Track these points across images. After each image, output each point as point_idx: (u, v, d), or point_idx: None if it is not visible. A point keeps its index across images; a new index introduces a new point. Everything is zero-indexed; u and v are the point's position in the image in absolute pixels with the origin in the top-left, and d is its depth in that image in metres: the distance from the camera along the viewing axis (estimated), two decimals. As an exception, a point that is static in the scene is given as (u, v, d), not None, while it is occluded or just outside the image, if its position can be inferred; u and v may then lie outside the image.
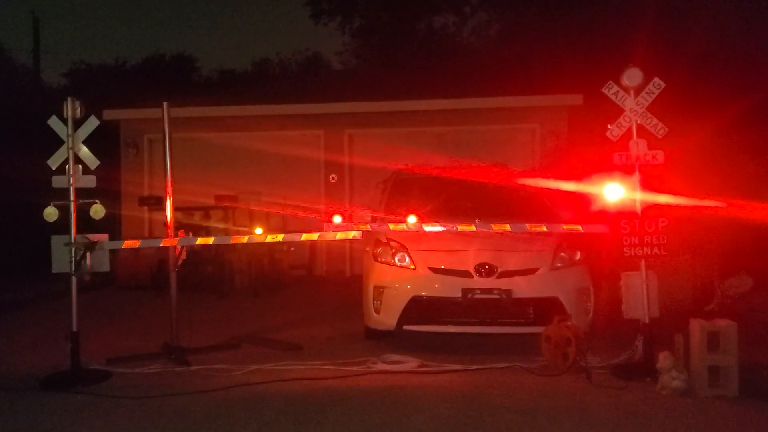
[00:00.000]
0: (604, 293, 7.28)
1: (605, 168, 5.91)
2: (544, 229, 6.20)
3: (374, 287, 6.67)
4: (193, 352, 6.49)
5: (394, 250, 6.77)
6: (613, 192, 5.76)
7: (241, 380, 5.62)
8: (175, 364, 6.22)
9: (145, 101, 11.35)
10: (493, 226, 6.16)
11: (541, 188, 8.15)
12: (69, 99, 5.99)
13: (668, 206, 5.84)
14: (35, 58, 22.05)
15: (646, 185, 5.76)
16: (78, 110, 5.98)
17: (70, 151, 5.94)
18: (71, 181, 5.92)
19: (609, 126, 5.82)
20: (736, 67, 12.79)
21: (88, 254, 5.89)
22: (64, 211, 5.89)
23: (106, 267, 6.14)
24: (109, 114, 12.46)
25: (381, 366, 6.02)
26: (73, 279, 5.94)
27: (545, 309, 6.27)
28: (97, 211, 5.94)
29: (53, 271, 5.96)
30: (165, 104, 6.72)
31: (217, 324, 8.25)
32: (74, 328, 5.87)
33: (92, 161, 6.02)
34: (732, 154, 9.93)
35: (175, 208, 6.90)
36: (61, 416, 4.89)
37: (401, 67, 19.71)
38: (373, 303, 6.63)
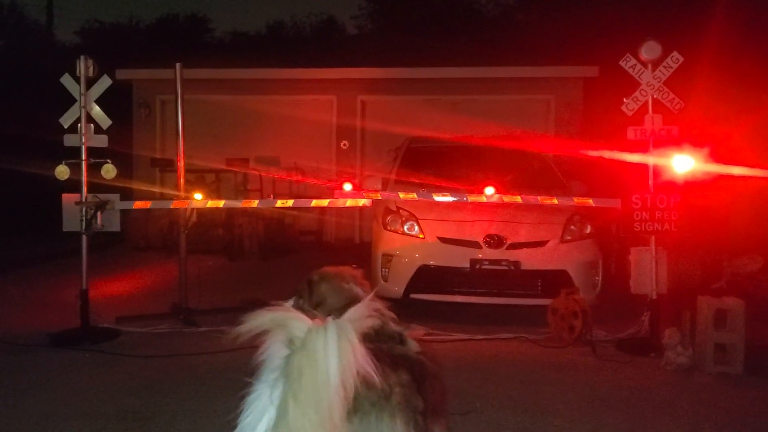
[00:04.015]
0: (613, 267, 7.28)
1: (619, 142, 5.86)
2: (555, 201, 6.17)
3: (382, 255, 6.68)
4: (202, 314, 6.55)
5: (403, 219, 6.77)
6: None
7: (248, 343, 5.66)
8: (184, 325, 6.29)
9: (158, 62, 11.30)
10: (503, 197, 6.14)
11: (554, 160, 8.10)
12: (82, 57, 5.97)
13: (681, 182, 5.78)
14: (48, 14, 21.91)
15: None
16: (91, 69, 5.96)
17: (83, 110, 5.94)
18: (83, 140, 5.93)
19: (625, 99, 5.76)
20: (757, 38, 12.55)
21: (98, 213, 5.92)
22: (75, 170, 5.90)
23: (116, 227, 6.18)
24: (122, 74, 12.41)
25: (387, 333, 6.05)
26: (84, 238, 5.98)
27: (553, 281, 6.28)
28: (109, 170, 5.95)
29: (64, 230, 6.00)
30: (178, 65, 6.68)
31: (226, 286, 8.31)
32: (84, 287, 5.93)
33: (104, 120, 6.02)
34: (750, 128, 9.79)
35: (187, 171, 6.90)
36: (70, 372, 4.96)
37: (416, 33, 19.48)
38: (381, 271, 6.64)
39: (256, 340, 1.99)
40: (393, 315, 2.36)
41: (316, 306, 2.58)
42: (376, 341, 2.12)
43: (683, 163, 5.62)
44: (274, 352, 1.95)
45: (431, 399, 2.15)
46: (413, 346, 2.34)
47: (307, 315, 1.98)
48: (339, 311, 2.14)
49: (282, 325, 1.92)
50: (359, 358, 1.84)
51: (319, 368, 1.81)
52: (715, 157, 5.91)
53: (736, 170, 6.47)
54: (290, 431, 1.81)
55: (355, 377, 1.83)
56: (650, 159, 5.74)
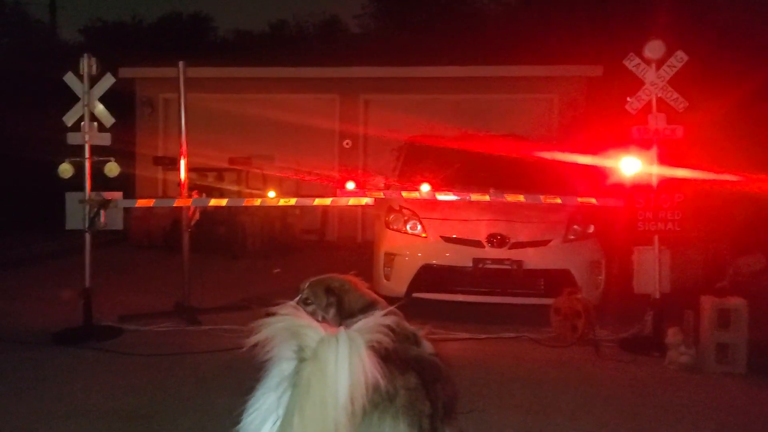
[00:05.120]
0: (616, 267, 7.26)
1: (623, 141, 5.85)
2: (559, 201, 6.16)
3: (385, 254, 6.68)
4: (205, 312, 6.55)
5: (406, 218, 6.76)
6: (630, 165, 5.69)
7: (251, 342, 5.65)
8: (187, 323, 6.30)
9: (161, 60, 11.30)
10: (507, 196, 6.13)
11: (557, 160, 8.08)
12: (85, 56, 5.97)
13: (684, 181, 5.77)
14: (51, 13, 21.92)
15: (664, 159, 5.70)
16: (94, 67, 5.96)
17: (86, 108, 5.94)
18: (86, 138, 5.93)
19: (628, 99, 5.75)
20: (760, 38, 12.51)
21: (101, 211, 5.92)
22: (78, 168, 5.91)
23: (119, 225, 6.18)
24: (125, 72, 12.40)
25: (389, 332, 6.04)
26: (87, 236, 5.98)
27: (556, 281, 6.27)
28: (112, 168, 5.96)
29: (67, 228, 6.00)
30: (181, 64, 6.68)
31: (229, 285, 8.31)
32: (87, 285, 5.94)
33: (107, 119, 6.02)
34: (753, 128, 9.78)
35: (189, 169, 6.90)
36: (72, 371, 4.96)
37: (419, 32, 19.49)
38: (384, 270, 6.64)
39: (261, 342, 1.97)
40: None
41: (328, 310, 2.58)
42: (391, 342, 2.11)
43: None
44: (280, 356, 1.93)
45: (444, 401, 2.14)
46: (428, 347, 2.34)
47: (317, 320, 1.96)
48: (354, 316, 2.14)
49: (294, 332, 1.90)
50: (369, 371, 1.82)
51: (328, 383, 1.78)
52: (713, 157, 5.90)
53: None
54: None
55: (364, 392, 1.81)
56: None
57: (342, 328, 1.88)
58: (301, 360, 1.86)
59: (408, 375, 2.05)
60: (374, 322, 1.94)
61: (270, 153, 12.51)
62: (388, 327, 1.95)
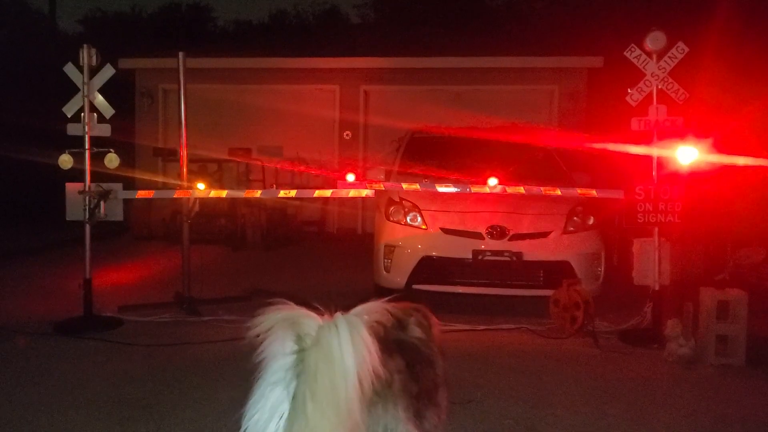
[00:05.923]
0: (615, 258, 7.27)
1: (623, 132, 5.84)
2: (559, 192, 6.16)
3: (385, 246, 6.68)
4: (205, 303, 6.56)
5: (406, 210, 6.76)
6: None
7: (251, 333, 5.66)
8: (187, 314, 6.31)
9: (161, 51, 11.28)
10: (506, 188, 6.13)
11: (558, 151, 8.08)
12: (85, 46, 5.96)
13: (684, 173, 5.76)
14: (51, 3, 21.82)
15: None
16: (94, 58, 5.96)
17: (86, 99, 5.94)
18: (86, 130, 5.93)
19: (629, 90, 5.74)
20: (761, 28, 12.46)
21: (101, 203, 5.92)
22: (78, 159, 5.91)
23: (119, 216, 6.18)
24: (125, 63, 12.39)
25: (389, 323, 6.05)
26: (87, 227, 5.98)
27: (555, 272, 6.27)
28: (112, 160, 5.95)
29: (67, 219, 6.01)
30: (181, 54, 6.66)
31: (229, 276, 8.33)
32: (87, 276, 5.95)
33: (107, 110, 6.02)
34: (754, 118, 9.75)
35: (189, 160, 6.89)
36: (73, 361, 4.98)
37: (420, 23, 19.42)
38: (384, 261, 6.65)
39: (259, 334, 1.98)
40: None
41: None
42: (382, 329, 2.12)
43: (687, 154, 5.60)
44: (279, 349, 1.94)
45: (423, 384, 2.15)
46: (414, 332, 2.34)
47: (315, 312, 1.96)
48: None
49: (293, 322, 1.91)
50: (373, 352, 1.84)
51: (335, 365, 1.79)
52: (720, 147, 5.89)
53: (740, 160, 6.44)
54: (309, 430, 1.80)
55: (370, 372, 1.83)
56: (654, 150, 5.72)
57: (339, 314, 1.90)
58: (302, 349, 1.86)
59: (395, 357, 2.06)
60: (371, 306, 1.96)
61: (273, 144, 12.49)
62: (385, 310, 1.97)
